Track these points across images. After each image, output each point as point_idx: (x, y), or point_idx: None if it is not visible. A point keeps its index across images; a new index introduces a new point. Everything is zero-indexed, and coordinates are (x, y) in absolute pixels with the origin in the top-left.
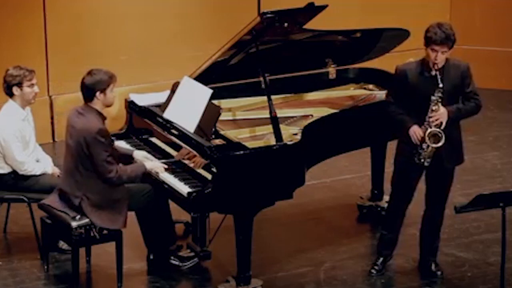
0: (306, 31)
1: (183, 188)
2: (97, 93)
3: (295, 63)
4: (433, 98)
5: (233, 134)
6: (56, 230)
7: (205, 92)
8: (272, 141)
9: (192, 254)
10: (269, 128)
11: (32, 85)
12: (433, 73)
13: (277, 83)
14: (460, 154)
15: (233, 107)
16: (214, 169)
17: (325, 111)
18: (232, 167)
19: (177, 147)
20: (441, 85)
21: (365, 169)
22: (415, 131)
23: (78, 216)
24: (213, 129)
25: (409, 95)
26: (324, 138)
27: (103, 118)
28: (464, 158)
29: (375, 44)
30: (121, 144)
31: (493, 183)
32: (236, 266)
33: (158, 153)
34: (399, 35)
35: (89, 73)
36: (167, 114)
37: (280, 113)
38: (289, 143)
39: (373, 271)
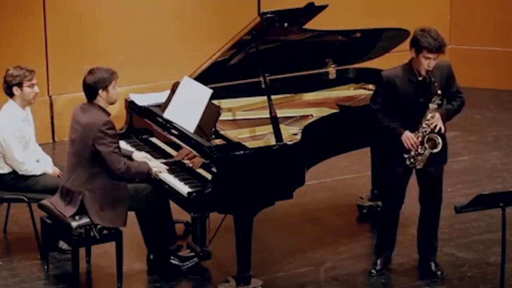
0: (306, 31)
1: (183, 188)
2: (100, 91)
3: (295, 63)
4: (431, 106)
5: (233, 134)
6: (56, 230)
7: (205, 92)
8: (272, 141)
9: (192, 254)
10: (269, 128)
11: (32, 85)
12: (421, 78)
13: (277, 83)
14: (445, 153)
15: (233, 107)
16: (214, 169)
17: (325, 111)
18: (232, 167)
19: (177, 147)
20: (439, 92)
21: (365, 169)
22: (408, 137)
23: (78, 216)
24: (213, 129)
25: (398, 101)
26: (324, 138)
27: (108, 114)
28: (448, 158)
29: (375, 44)
30: (121, 144)
31: (493, 183)
32: (236, 266)
33: (158, 153)
34: (399, 35)
35: (90, 72)
36: (167, 114)
37: (280, 113)
38: (289, 143)
39: (373, 271)
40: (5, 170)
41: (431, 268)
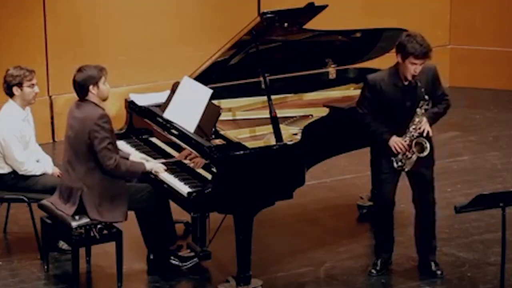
0: (306, 31)
1: (183, 188)
2: (90, 87)
3: (295, 63)
4: (418, 110)
5: (233, 134)
6: (56, 230)
7: (205, 92)
8: (272, 141)
9: (192, 254)
10: (269, 128)
11: (33, 85)
12: (407, 82)
13: (277, 83)
14: (432, 154)
15: (233, 107)
16: (214, 169)
17: (325, 111)
18: (232, 167)
19: (177, 147)
20: (426, 97)
21: (365, 169)
22: (396, 142)
23: (78, 216)
24: (213, 129)
25: (384, 105)
26: (324, 138)
27: (103, 109)
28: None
29: (375, 44)
30: (121, 144)
31: (493, 183)
32: (236, 266)
33: (158, 153)
34: (399, 35)
35: (79, 70)
36: (167, 114)
37: (280, 113)
38: (289, 143)
39: (373, 271)
40: (5, 170)
41: (431, 268)
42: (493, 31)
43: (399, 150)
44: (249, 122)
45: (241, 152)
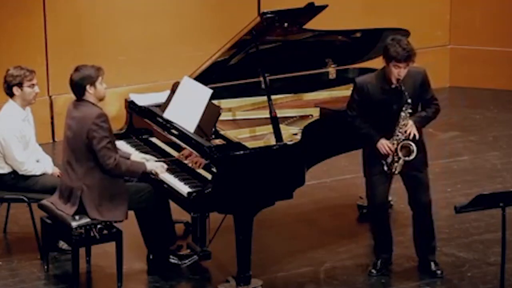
0: (306, 31)
1: (183, 188)
2: (87, 87)
3: (295, 63)
4: (402, 114)
5: (233, 134)
6: (56, 230)
7: (205, 92)
8: (272, 141)
9: (192, 253)
10: (269, 128)
11: (33, 85)
12: (393, 86)
13: (277, 83)
14: (425, 156)
15: (233, 107)
16: (214, 169)
17: (329, 111)
18: (232, 167)
19: (177, 147)
20: (409, 101)
21: None
22: (383, 144)
23: (78, 216)
24: (213, 129)
25: (371, 108)
26: (324, 138)
27: (100, 108)
28: (428, 162)
29: (375, 44)
30: (121, 144)
31: (493, 183)
32: (236, 266)
33: (158, 153)
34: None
35: (76, 69)
36: (167, 114)
37: (280, 113)
38: (289, 143)
39: (373, 271)
40: (5, 170)
41: (431, 267)
42: (493, 31)
43: (386, 152)
44: (249, 122)
45: (241, 152)
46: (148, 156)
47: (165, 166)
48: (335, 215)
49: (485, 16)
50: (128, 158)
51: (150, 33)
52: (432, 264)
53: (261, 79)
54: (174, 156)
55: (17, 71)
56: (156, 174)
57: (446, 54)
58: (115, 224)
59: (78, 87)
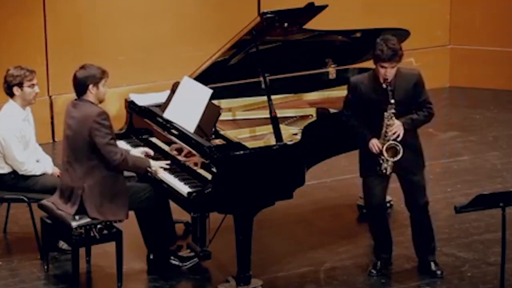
0: (306, 31)
1: (183, 188)
2: (90, 86)
3: (295, 63)
4: (386, 114)
5: (233, 134)
6: (56, 230)
7: (205, 92)
8: (272, 141)
9: (192, 254)
10: (269, 128)
11: (33, 85)
12: (384, 86)
13: (277, 83)
14: (421, 158)
15: (233, 107)
16: (214, 169)
17: (325, 111)
18: (232, 167)
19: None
20: (392, 101)
21: None
22: (374, 144)
23: (78, 216)
24: (213, 129)
25: (365, 108)
26: (324, 138)
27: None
28: (425, 163)
29: (375, 44)
30: (121, 145)
31: (493, 183)
32: (236, 266)
33: (158, 153)
34: (399, 35)
35: (82, 67)
36: (167, 114)
37: (280, 113)
38: (289, 143)
39: (373, 271)
40: (5, 170)
41: (431, 267)
42: (493, 31)
43: (376, 152)
44: (249, 122)
45: (241, 152)
46: (147, 149)
47: (166, 165)
48: (335, 215)
49: (485, 16)
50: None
51: (150, 33)
52: (432, 264)
53: (261, 79)
54: (174, 157)
55: (17, 71)
56: (155, 173)
57: (446, 54)
58: (115, 224)
59: (81, 85)
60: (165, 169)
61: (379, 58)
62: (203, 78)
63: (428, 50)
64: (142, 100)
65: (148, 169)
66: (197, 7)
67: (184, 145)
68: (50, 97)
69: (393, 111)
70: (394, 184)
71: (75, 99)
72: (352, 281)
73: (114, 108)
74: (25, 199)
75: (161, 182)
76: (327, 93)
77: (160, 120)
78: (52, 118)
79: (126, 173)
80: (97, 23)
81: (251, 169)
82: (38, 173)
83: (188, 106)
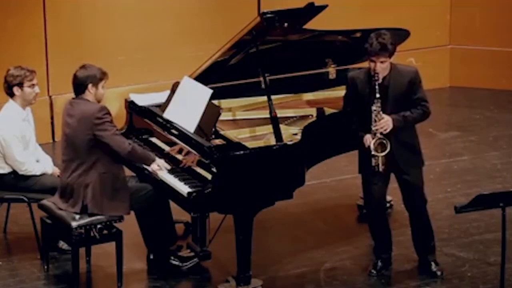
0: (306, 31)
1: (183, 188)
2: (89, 86)
3: (295, 63)
4: (373, 108)
5: (233, 134)
6: (56, 230)
7: (205, 92)
8: (272, 141)
9: (192, 254)
10: (269, 128)
11: (33, 85)
12: (375, 79)
13: (277, 83)
14: (418, 157)
15: (233, 107)
16: (214, 169)
17: (325, 111)
18: (232, 167)
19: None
20: (378, 96)
21: None
22: (366, 139)
23: (78, 216)
24: (213, 129)
25: (360, 103)
26: (324, 138)
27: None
28: (424, 161)
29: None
30: None
31: (493, 183)
32: (236, 266)
33: (158, 153)
34: (399, 35)
35: (82, 66)
36: (167, 114)
37: (280, 113)
38: (289, 143)
39: (373, 271)
40: (5, 170)
41: (431, 267)
42: (493, 31)
43: (367, 147)
44: (249, 122)
45: (241, 152)
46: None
47: (168, 166)
48: (335, 215)
49: (485, 16)
50: None
51: (150, 33)
52: (432, 264)
53: (261, 79)
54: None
55: (18, 71)
56: (155, 173)
57: (446, 54)
58: (115, 224)
59: (81, 84)
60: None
61: (367, 52)
62: (203, 78)
63: (428, 50)
64: (142, 100)
65: (151, 166)
66: (197, 7)
67: (184, 145)
68: (50, 97)
69: (379, 105)
70: (394, 184)
71: (73, 98)
72: (352, 281)
73: (114, 108)
74: (25, 199)
75: (161, 182)
76: (327, 93)
77: (160, 120)
78: (52, 118)
79: (126, 173)
80: (97, 23)
81: (251, 169)
82: (38, 173)
83: (188, 106)
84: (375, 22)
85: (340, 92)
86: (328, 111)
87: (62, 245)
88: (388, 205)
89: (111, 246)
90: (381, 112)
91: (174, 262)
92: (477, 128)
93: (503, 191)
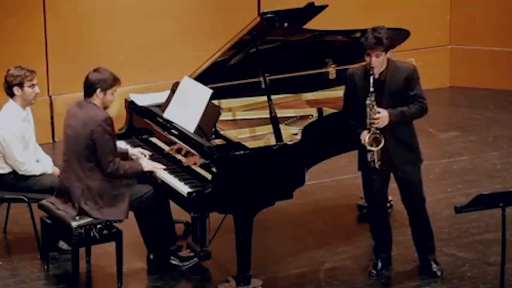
0: (306, 31)
1: (183, 188)
2: (98, 90)
3: (295, 63)
4: (367, 102)
5: (233, 134)
6: (56, 230)
7: (205, 92)
8: (272, 141)
9: (192, 254)
10: (269, 128)
11: (33, 85)
12: (371, 73)
13: (277, 83)
14: (415, 155)
15: (233, 107)
16: (214, 169)
17: (325, 111)
18: (232, 167)
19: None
20: (372, 89)
21: None
22: (363, 135)
23: (78, 216)
24: (213, 129)
25: (358, 99)
26: (324, 138)
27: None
28: (422, 158)
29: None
30: (120, 144)
31: (493, 183)
32: (236, 266)
33: (158, 153)
34: (399, 35)
35: (96, 69)
36: (167, 114)
37: (280, 113)
38: (289, 143)
39: (373, 271)
40: (5, 170)
41: (431, 267)
42: (493, 31)
43: (363, 142)
44: (249, 122)
45: (241, 152)
46: (144, 151)
47: (162, 166)
48: (335, 215)
49: (485, 16)
50: (126, 153)
51: (150, 33)
52: (432, 264)
53: (261, 79)
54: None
55: (18, 71)
56: (154, 173)
57: (446, 54)
58: (115, 224)
59: (90, 87)
60: (165, 169)
61: (363, 46)
62: (203, 78)
63: (428, 50)
64: (142, 100)
65: (144, 169)
66: (197, 7)
67: (184, 145)
68: (50, 97)
69: (373, 99)
70: (395, 184)
71: (81, 100)
72: (352, 281)
73: (114, 108)
74: (25, 199)
75: (161, 182)
76: (327, 93)
77: (160, 120)
78: (52, 118)
79: None
80: (97, 23)
81: (251, 169)
82: (38, 173)
83: (188, 106)
84: (375, 22)
85: (340, 92)
86: (328, 111)
87: (62, 245)
88: (388, 205)
89: (111, 246)
90: (375, 106)
91: (174, 262)
92: (477, 128)
93: (503, 191)
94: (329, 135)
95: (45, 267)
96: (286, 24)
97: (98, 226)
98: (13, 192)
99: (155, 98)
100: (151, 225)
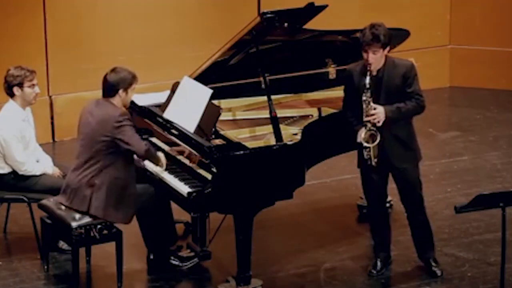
0: (306, 31)
1: (183, 188)
2: (120, 91)
3: (295, 63)
4: (363, 98)
5: (233, 134)
6: (56, 230)
7: (205, 92)
8: (272, 141)
9: (192, 254)
10: (269, 128)
11: (33, 85)
12: (368, 69)
13: (277, 83)
14: (413, 152)
15: (233, 107)
16: (214, 169)
17: (325, 111)
18: (232, 167)
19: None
20: (368, 86)
21: None
22: (360, 133)
23: (78, 216)
24: (213, 129)
25: (356, 96)
26: (324, 138)
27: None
28: (421, 155)
29: None
30: None
31: (493, 183)
32: (236, 266)
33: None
34: (399, 35)
35: (113, 70)
36: (167, 114)
37: (280, 113)
38: (289, 143)
39: (373, 271)
40: (5, 170)
41: (431, 267)
42: (493, 31)
43: (359, 140)
44: (249, 122)
45: (241, 152)
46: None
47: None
48: (335, 215)
49: (485, 16)
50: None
51: (150, 33)
52: (432, 263)
53: (261, 79)
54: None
55: (18, 71)
56: (156, 173)
57: (446, 54)
58: (115, 224)
59: (112, 88)
60: (165, 169)
61: (360, 42)
62: (203, 78)
63: (428, 50)
64: (142, 100)
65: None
66: (197, 7)
67: (184, 145)
68: (50, 97)
69: (368, 95)
70: (395, 184)
71: (100, 99)
72: (352, 281)
73: None
74: (25, 199)
75: (162, 182)
76: (327, 93)
77: (160, 120)
78: (52, 118)
79: None
80: (97, 23)
81: (251, 169)
82: (38, 173)
83: (188, 106)
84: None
85: (340, 92)
86: (328, 111)
87: (62, 245)
88: (388, 205)
89: (111, 246)
90: (371, 103)
91: (174, 262)
92: (477, 128)
93: (503, 191)
94: (329, 135)
95: (45, 267)
96: (286, 24)
97: (98, 226)
98: (13, 192)
99: (155, 98)
100: (152, 225)
